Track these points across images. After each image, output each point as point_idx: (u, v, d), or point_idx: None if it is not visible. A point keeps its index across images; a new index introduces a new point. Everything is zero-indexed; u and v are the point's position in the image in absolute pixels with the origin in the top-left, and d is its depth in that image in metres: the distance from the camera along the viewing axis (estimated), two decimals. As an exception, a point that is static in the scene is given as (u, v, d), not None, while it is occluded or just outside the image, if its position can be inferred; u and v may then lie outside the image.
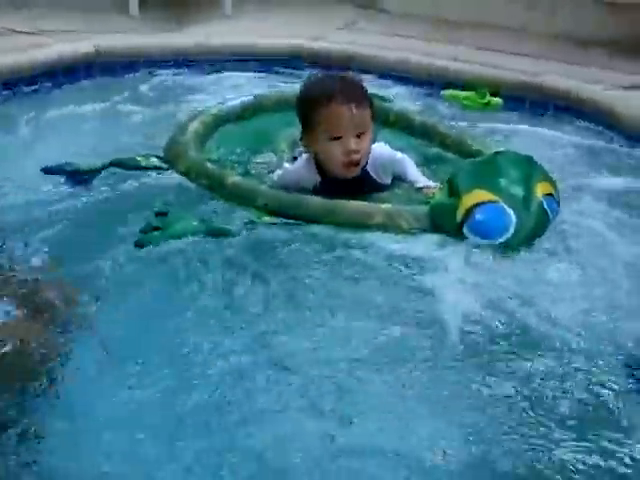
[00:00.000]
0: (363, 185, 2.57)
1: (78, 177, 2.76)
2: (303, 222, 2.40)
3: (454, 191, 2.34)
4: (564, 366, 1.87)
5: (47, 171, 2.75)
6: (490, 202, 2.28)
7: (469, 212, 2.27)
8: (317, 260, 2.25)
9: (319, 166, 2.58)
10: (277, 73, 4.37)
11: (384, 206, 2.41)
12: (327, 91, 2.49)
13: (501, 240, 2.26)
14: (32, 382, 1.72)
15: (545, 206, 2.34)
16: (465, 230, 2.28)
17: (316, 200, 2.44)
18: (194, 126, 3.02)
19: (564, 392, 1.79)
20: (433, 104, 3.86)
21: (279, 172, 2.68)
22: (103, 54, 4.27)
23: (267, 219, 2.41)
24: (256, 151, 2.98)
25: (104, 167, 2.81)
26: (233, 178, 2.61)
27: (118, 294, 2.10)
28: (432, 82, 4.08)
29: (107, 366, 1.81)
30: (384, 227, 2.35)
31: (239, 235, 2.33)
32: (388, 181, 2.66)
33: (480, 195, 2.30)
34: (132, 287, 2.13)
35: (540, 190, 2.36)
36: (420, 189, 2.63)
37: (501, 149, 2.63)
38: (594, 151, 3.32)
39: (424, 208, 2.40)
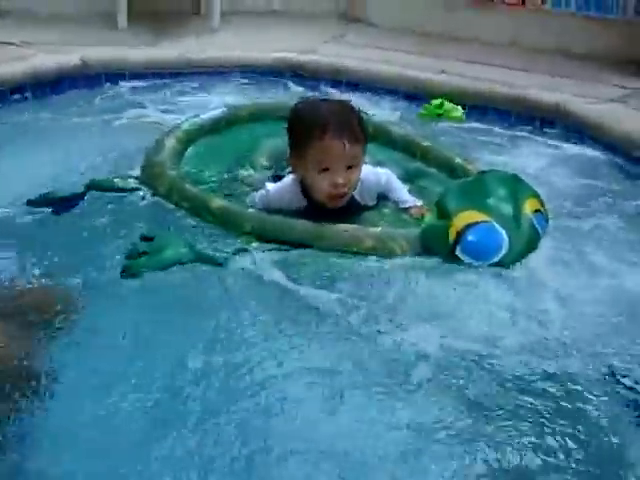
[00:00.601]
0: (349, 209, 2.52)
1: (62, 205, 2.66)
2: (292, 247, 2.34)
3: (444, 213, 2.32)
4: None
5: (31, 203, 2.64)
6: (481, 222, 2.26)
7: (461, 233, 2.25)
8: (310, 286, 2.19)
9: (305, 189, 2.52)
10: (265, 86, 4.35)
11: (375, 230, 2.36)
12: (321, 122, 2.40)
13: (495, 260, 2.24)
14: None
15: (535, 223, 2.33)
16: (458, 252, 2.25)
17: (305, 224, 2.37)
18: (169, 143, 2.92)
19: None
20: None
21: (262, 192, 2.59)
22: (89, 66, 4.25)
23: (255, 245, 2.34)
24: (233, 166, 2.88)
25: (85, 191, 2.73)
26: (218, 202, 2.52)
27: (104, 321, 2.02)
28: (418, 95, 4.06)
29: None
30: (375, 251, 2.30)
31: (227, 263, 2.26)
32: (373, 202, 2.61)
33: (471, 216, 2.28)
34: (118, 316, 2.05)
35: (529, 207, 2.35)
36: (407, 209, 2.59)
37: (485, 169, 2.62)
38: (580, 164, 3.32)
39: (416, 231, 2.36)
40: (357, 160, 2.43)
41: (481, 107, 3.89)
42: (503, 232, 2.25)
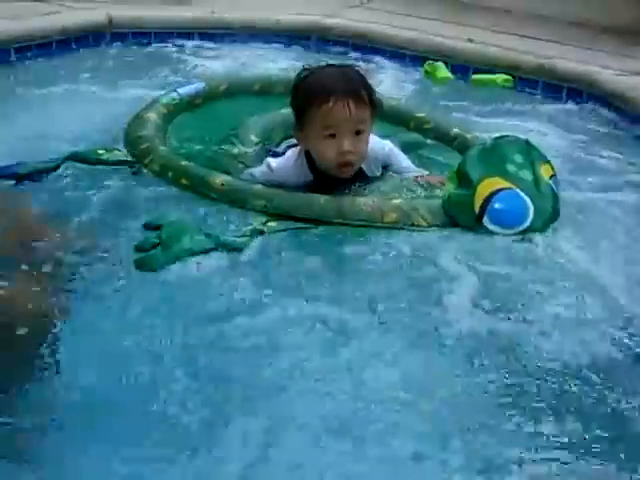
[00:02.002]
0: (357, 181, 2.42)
1: (32, 178, 2.39)
2: (311, 224, 2.20)
3: (465, 181, 2.24)
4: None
5: None
6: (506, 189, 2.20)
7: (486, 202, 2.18)
8: (337, 268, 2.07)
9: (310, 162, 2.41)
10: (290, 49, 4.36)
11: (397, 202, 2.26)
12: (325, 86, 2.30)
13: (522, 228, 2.19)
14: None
15: (554, 187, 2.29)
16: (485, 220, 2.19)
17: (324, 199, 2.24)
18: (152, 117, 2.73)
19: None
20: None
21: (263, 168, 2.45)
22: (116, 24, 4.26)
23: (274, 224, 2.18)
24: (220, 142, 2.71)
25: (60, 164, 2.45)
26: (222, 178, 2.34)
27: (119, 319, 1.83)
28: (445, 63, 4.06)
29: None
30: (399, 224, 2.20)
31: (248, 247, 2.08)
32: (379, 173, 2.52)
33: (494, 183, 2.21)
34: (136, 312, 1.84)
35: (545, 172, 2.30)
36: (415, 178, 2.50)
37: (495, 135, 2.50)
38: (605, 135, 3.33)
39: (437, 201, 2.27)
40: (364, 125, 2.33)
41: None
42: (527, 198, 2.21)
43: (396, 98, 3.22)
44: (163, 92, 3.01)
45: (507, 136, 2.42)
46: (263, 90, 3.16)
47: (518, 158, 2.29)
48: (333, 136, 2.31)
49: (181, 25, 4.43)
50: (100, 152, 2.52)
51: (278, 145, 2.73)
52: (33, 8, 4.36)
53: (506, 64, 3.96)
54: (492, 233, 2.18)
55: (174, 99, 2.92)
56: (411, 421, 1.57)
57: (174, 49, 4.28)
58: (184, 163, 2.43)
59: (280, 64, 3.98)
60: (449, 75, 3.92)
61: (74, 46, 4.15)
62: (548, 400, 1.66)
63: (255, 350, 1.74)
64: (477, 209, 2.19)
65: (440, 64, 3.94)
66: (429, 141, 2.92)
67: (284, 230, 2.17)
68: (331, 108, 2.28)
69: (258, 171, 2.47)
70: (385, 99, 2.79)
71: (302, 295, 1.93)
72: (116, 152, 2.54)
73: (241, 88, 3.15)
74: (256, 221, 2.19)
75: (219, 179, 2.33)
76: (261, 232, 2.14)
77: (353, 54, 4.31)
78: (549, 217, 2.23)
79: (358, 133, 2.33)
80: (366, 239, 2.17)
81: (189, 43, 4.36)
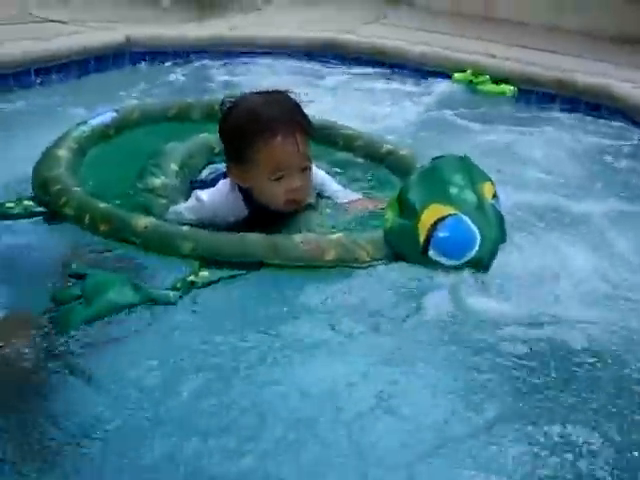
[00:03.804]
0: (293, 212, 2.24)
1: None
2: (247, 270, 2.01)
3: (408, 210, 2.07)
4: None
5: None
6: (449, 216, 2.03)
7: (431, 231, 2.01)
8: (280, 319, 1.86)
9: (245, 196, 2.21)
10: (306, 65, 4.39)
11: (337, 237, 2.08)
12: (268, 120, 2.09)
13: (468, 257, 2.02)
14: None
15: (498, 208, 2.14)
16: (431, 252, 2.01)
17: (258, 238, 2.04)
18: (62, 154, 2.50)
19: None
20: (463, 98, 3.91)
21: (193, 203, 2.23)
22: (134, 44, 4.32)
23: (206, 273, 1.98)
24: (138, 176, 2.47)
25: None
26: (144, 220, 2.12)
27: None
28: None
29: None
30: (341, 261, 2.02)
31: (177, 301, 1.88)
32: (313, 200, 2.33)
33: (437, 210, 2.04)
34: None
35: (487, 192, 2.14)
36: (348, 204, 2.34)
37: (433, 157, 2.33)
38: (624, 147, 3.34)
39: (379, 233, 2.11)
40: (310, 158, 2.18)
41: (527, 90, 3.97)
42: (473, 225, 2.04)
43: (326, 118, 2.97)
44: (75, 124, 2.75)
45: (445, 155, 2.27)
46: (179, 116, 2.96)
47: (459, 179, 2.13)
48: (281, 176, 2.13)
49: (199, 43, 4.48)
50: (8, 205, 2.30)
51: (201, 172, 2.55)
52: (53, 29, 4.43)
53: (524, 77, 3.96)
54: (437, 265, 2.02)
55: (84, 131, 2.67)
56: None
57: (192, 67, 4.33)
58: (102, 205, 2.19)
59: (296, 81, 4.01)
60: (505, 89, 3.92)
61: (93, 66, 4.19)
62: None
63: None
64: (422, 240, 2.02)
65: (486, 77, 4.02)
66: (360, 160, 2.74)
67: (217, 281, 1.97)
68: (279, 147, 2.10)
69: (185, 207, 2.24)
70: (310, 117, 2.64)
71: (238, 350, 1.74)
72: (27, 202, 2.31)
73: (155, 115, 2.93)
74: (187, 270, 1.98)
75: (142, 221, 2.11)
76: (192, 283, 1.94)
77: (370, 70, 4.33)
78: (496, 243, 2.07)
79: (304, 170, 2.17)
80: (308, 279, 2.00)
81: (207, 61, 4.42)
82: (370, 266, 2.03)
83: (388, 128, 3.34)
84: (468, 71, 4.11)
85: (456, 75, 4.13)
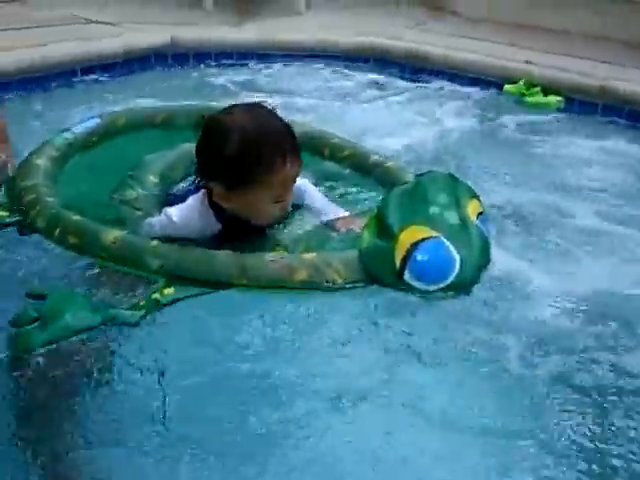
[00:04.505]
0: (269, 227, 2.17)
1: None
2: (214, 289, 1.92)
3: (385, 230, 1.98)
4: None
5: None
6: (429, 238, 1.93)
7: (408, 254, 1.90)
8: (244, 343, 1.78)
9: (217, 210, 2.11)
10: (348, 70, 4.42)
11: (309, 257, 1.97)
12: (273, 154, 1.99)
13: (447, 283, 1.92)
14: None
15: (482, 229, 2.04)
16: (407, 276, 1.91)
17: (227, 256, 1.95)
18: (41, 163, 2.40)
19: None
20: (502, 105, 3.94)
21: (163, 218, 2.13)
22: (178, 45, 4.37)
23: (171, 291, 1.89)
24: (116, 187, 2.38)
25: None
26: (115, 234, 2.02)
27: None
28: (500, 83, 4.07)
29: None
30: (312, 283, 1.91)
31: (140, 322, 1.80)
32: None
33: (416, 231, 1.94)
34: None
35: (472, 211, 2.05)
36: (332, 222, 2.24)
37: (417, 173, 2.27)
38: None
39: (354, 254, 1.99)
40: None
41: (567, 98, 3.97)
42: (453, 248, 1.94)
43: (308, 123, 2.88)
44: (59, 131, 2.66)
45: (430, 172, 2.18)
46: (166, 122, 2.83)
47: (442, 198, 2.04)
48: (282, 200, 2.08)
49: (240, 46, 4.53)
50: None
51: (178, 184, 2.46)
52: (98, 30, 4.51)
53: (565, 86, 3.94)
54: (414, 290, 1.91)
55: (67, 139, 2.57)
56: None
57: (233, 70, 4.38)
58: (73, 218, 2.10)
59: (337, 86, 4.04)
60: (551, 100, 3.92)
61: (137, 67, 4.25)
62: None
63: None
64: (398, 263, 1.91)
65: (537, 89, 3.98)
66: (347, 171, 2.63)
67: (183, 299, 1.88)
68: (285, 174, 2.02)
69: (157, 222, 2.14)
70: (297, 124, 2.51)
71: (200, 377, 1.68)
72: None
73: (141, 121, 2.81)
74: (152, 289, 1.90)
75: (111, 235, 2.02)
76: (157, 302, 1.86)
77: (410, 76, 4.34)
78: (476, 268, 1.97)
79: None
80: (276, 300, 1.91)
81: (248, 64, 4.48)
82: (342, 288, 1.92)
83: (428, 137, 3.36)
84: (521, 82, 4.03)
85: (507, 87, 4.07)
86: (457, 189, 2.08)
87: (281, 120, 2.08)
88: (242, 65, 4.47)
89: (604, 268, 2.19)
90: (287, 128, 2.06)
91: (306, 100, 3.86)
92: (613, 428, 1.59)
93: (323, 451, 1.50)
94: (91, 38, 4.30)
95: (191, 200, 2.13)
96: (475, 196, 2.11)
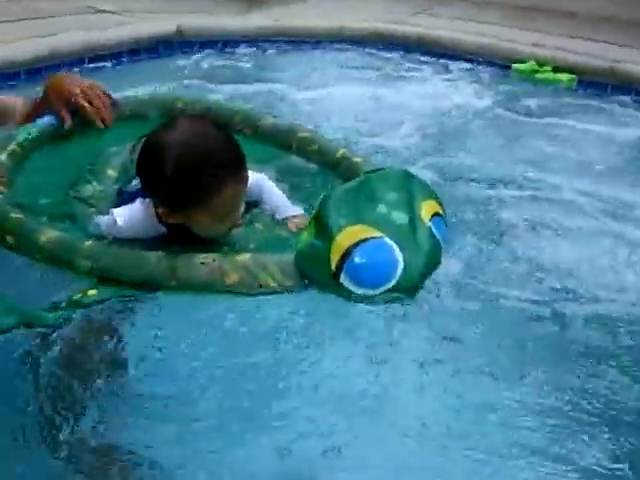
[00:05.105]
0: None
1: None
2: (142, 291, 1.83)
3: (323, 231, 1.84)
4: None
5: None
6: (370, 239, 1.80)
7: (345, 256, 1.77)
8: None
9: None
10: (354, 56, 4.42)
11: (243, 258, 1.85)
12: (216, 169, 1.85)
13: (387, 287, 1.79)
14: None
15: (434, 231, 1.90)
16: (343, 279, 1.78)
17: (158, 258, 1.84)
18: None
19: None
20: (510, 89, 3.92)
21: (109, 218, 2.03)
22: (185, 34, 4.38)
23: (94, 293, 1.81)
24: (74, 182, 2.28)
25: None
26: (48, 234, 1.92)
27: None
28: (509, 66, 4.07)
29: None
30: (243, 287, 1.80)
31: (58, 324, 1.73)
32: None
33: (357, 232, 1.81)
34: None
35: (426, 212, 1.91)
36: (285, 220, 2.14)
37: (374, 167, 2.16)
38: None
39: (292, 256, 1.87)
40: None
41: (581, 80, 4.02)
42: (396, 248, 1.80)
43: (275, 115, 2.76)
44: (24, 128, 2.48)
45: (383, 168, 2.04)
46: (135, 114, 2.66)
47: (392, 196, 1.90)
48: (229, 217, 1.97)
49: (247, 34, 4.53)
50: None
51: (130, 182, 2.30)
52: (106, 19, 4.52)
53: (575, 67, 3.94)
54: (353, 295, 1.79)
55: (29, 134, 2.43)
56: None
57: (240, 57, 4.39)
58: (12, 216, 2.00)
59: (345, 72, 4.04)
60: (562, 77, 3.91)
61: (144, 56, 4.26)
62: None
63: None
64: (334, 265, 1.78)
65: (548, 68, 4.00)
66: (312, 166, 2.48)
67: (107, 300, 1.80)
68: (231, 194, 1.89)
69: (104, 222, 2.05)
70: (264, 116, 2.47)
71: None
72: None
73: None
74: (75, 290, 1.82)
75: (44, 235, 1.91)
76: (77, 303, 1.78)
77: (420, 58, 4.34)
78: (421, 273, 1.83)
79: None
80: (206, 303, 1.82)
81: (255, 51, 4.47)
82: (276, 292, 1.80)
83: (435, 120, 3.36)
84: (531, 62, 4.04)
85: (517, 66, 4.08)
86: (411, 187, 1.94)
87: (225, 135, 1.94)
88: (249, 52, 4.47)
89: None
90: (230, 145, 1.91)
91: (313, 86, 3.86)
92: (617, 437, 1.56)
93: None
94: (99, 27, 4.33)
95: (138, 203, 2.02)
96: (432, 196, 1.97)
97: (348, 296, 1.78)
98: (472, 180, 2.75)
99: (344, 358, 1.69)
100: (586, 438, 1.52)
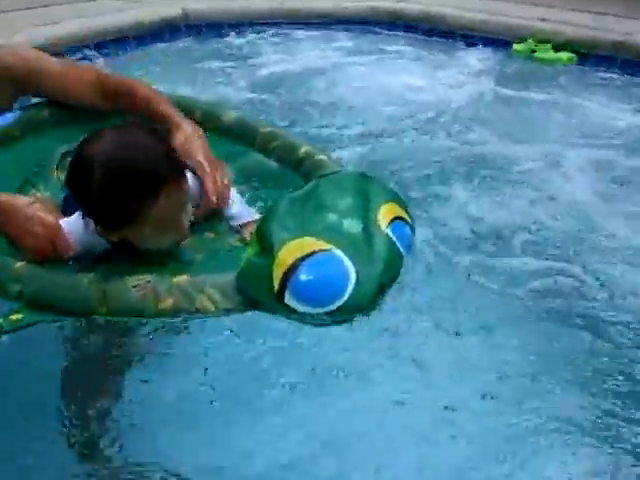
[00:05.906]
0: None
1: None
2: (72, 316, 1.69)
3: (266, 246, 1.67)
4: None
5: None
6: (318, 252, 1.63)
7: (290, 272, 1.60)
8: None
9: None
10: (359, 35, 4.41)
11: (180, 280, 1.68)
12: (146, 180, 1.67)
13: (337, 304, 1.62)
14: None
15: (393, 237, 1.73)
16: (287, 297, 1.61)
17: (89, 281, 1.69)
18: None
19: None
20: (520, 67, 3.91)
21: None
22: (190, 17, 4.40)
23: (18, 317, 1.66)
24: (21, 186, 2.13)
25: None
26: None
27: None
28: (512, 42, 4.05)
29: None
30: (179, 312, 1.65)
31: None
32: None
33: (303, 245, 1.64)
34: None
35: (384, 217, 1.74)
36: (238, 229, 1.99)
37: (337, 167, 2.01)
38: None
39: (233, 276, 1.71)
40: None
41: (583, 53, 3.92)
42: (347, 260, 1.64)
43: (237, 110, 2.58)
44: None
45: (335, 173, 1.90)
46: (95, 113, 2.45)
47: (344, 203, 1.75)
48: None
49: (252, 16, 4.53)
50: None
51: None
52: (111, 5, 4.54)
53: (583, 42, 3.90)
54: (300, 315, 1.62)
55: None
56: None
57: (245, 39, 4.39)
58: None
59: (351, 51, 4.03)
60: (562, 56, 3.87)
61: (149, 40, 4.28)
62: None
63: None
64: (277, 284, 1.61)
65: (547, 46, 3.95)
66: (274, 164, 2.30)
67: (31, 325, 1.65)
68: (162, 208, 1.70)
69: None
70: (225, 111, 2.32)
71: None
72: None
73: (67, 113, 2.42)
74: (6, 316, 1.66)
75: None
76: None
77: (423, 38, 4.33)
78: (376, 286, 1.66)
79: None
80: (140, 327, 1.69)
81: (260, 33, 4.47)
82: (215, 315, 1.65)
83: (439, 97, 3.35)
84: (529, 40, 3.98)
85: (516, 46, 4.03)
86: (367, 191, 1.78)
87: (158, 143, 1.75)
88: (254, 34, 4.48)
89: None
90: (161, 152, 1.73)
91: (320, 66, 3.87)
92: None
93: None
94: (104, 13, 4.34)
95: (78, 216, 1.84)
96: (393, 198, 1.81)
97: (297, 318, 1.61)
98: (475, 158, 2.75)
99: (344, 357, 1.65)
100: (602, 434, 1.52)
